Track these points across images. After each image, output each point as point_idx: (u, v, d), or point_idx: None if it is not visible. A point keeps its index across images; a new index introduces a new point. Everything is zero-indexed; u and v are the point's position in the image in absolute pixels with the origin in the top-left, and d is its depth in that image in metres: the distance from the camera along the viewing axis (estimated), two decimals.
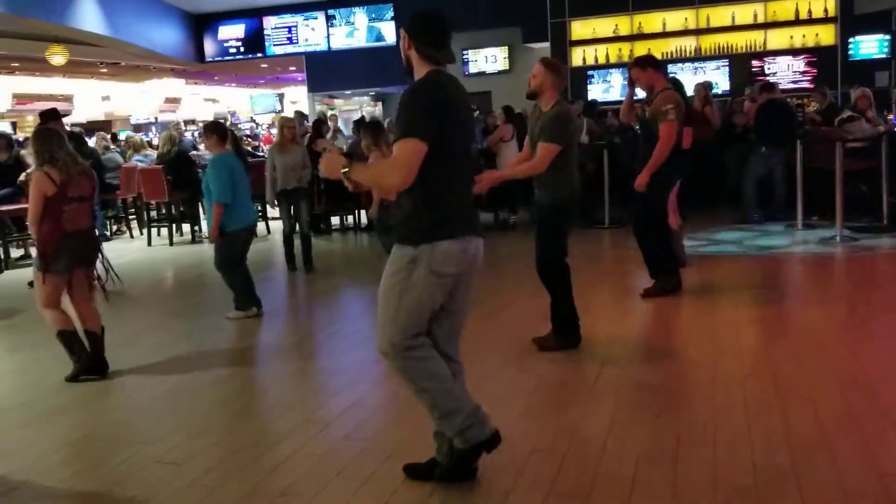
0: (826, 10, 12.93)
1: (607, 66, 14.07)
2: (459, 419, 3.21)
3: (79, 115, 26.23)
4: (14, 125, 24.57)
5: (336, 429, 4.07)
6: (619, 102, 8.38)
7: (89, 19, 13.43)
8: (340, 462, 3.65)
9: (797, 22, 13.13)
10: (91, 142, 13.00)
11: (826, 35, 12.99)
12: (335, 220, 11.65)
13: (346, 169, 3.09)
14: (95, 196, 5.17)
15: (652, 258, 6.25)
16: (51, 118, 8.35)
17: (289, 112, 26.49)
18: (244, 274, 6.47)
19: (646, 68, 5.97)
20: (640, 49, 13.80)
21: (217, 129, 6.44)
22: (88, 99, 26.38)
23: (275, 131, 25.21)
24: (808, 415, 3.85)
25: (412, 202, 3.08)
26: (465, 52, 16.27)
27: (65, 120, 8.88)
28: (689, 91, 11.26)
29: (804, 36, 13.14)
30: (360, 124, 9.76)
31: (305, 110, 17.24)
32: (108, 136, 14.18)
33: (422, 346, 3.18)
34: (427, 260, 3.06)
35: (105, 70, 23.79)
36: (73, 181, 4.88)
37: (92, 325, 5.14)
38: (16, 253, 10.53)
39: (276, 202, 8.26)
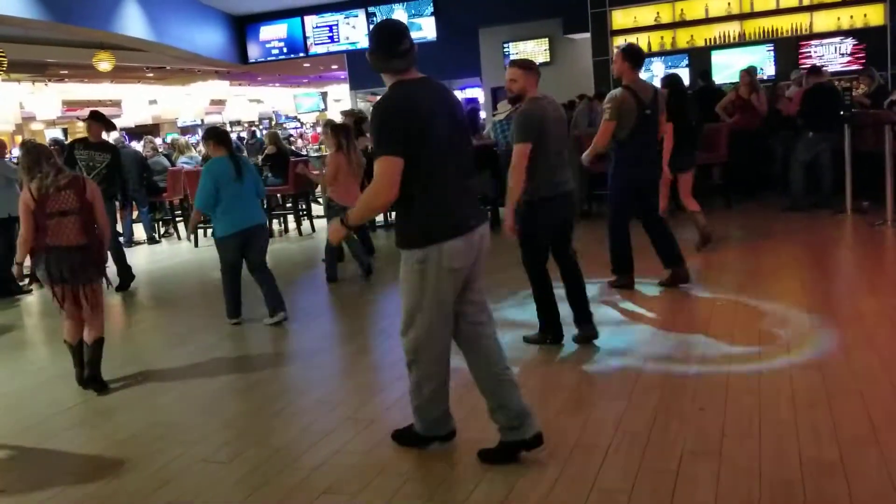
0: None
1: (649, 54, 13.84)
2: (438, 412, 3.60)
3: (127, 119, 26.78)
4: (65, 131, 25.11)
5: (379, 426, 4.09)
6: None
7: (133, 25, 13.65)
8: (383, 460, 3.68)
9: (844, 3, 12.81)
10: (139, 145, 13.24)
11: (875, 15, 12.64)
12: (379, 218, 11.61)
13: (344, 220, 3.33)
14: (100, 207, 5.09)
15: (613, 253, 6.36)
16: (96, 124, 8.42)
17: (333, 110, 26.70)
18: (265, 278, 6.45)
19: (625, 60, 6.00)
20: (683, 36, 13.62)
21: (212, 135, 6.47)
22: (136, 103, 26.92)
23: (320, 129, 25.59)
24: (856, 409, 3.77)
25: (410, 209, 3.24)
26: (505, 45, 16.20)
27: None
28: (734, 77, 11.15)
29: (851, 17, 12.80)
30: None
31: (348, 108, 17.31)
32: (156, 140, 14.38)
33: (439, 354, 3.46)
34: (437, 259, 3.22)
35: (151, 74, 24.24)
36: (50, 197, 4.87)
37: (86, 337, 5.16)
38: None
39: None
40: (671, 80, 7.87)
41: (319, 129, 25.87)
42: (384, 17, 16.42)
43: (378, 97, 3.47)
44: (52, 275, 4.92)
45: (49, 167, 4.96)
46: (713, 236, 7.58)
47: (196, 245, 11.24)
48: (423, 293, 3.30)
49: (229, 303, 6.52)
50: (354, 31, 17.20)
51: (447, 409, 3.63)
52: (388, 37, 3.25)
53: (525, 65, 4.94)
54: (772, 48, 13.18)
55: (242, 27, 17.85)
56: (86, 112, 9.61)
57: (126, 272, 8.55)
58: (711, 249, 7.52)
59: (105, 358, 5.21)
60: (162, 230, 13.01)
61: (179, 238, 12.56)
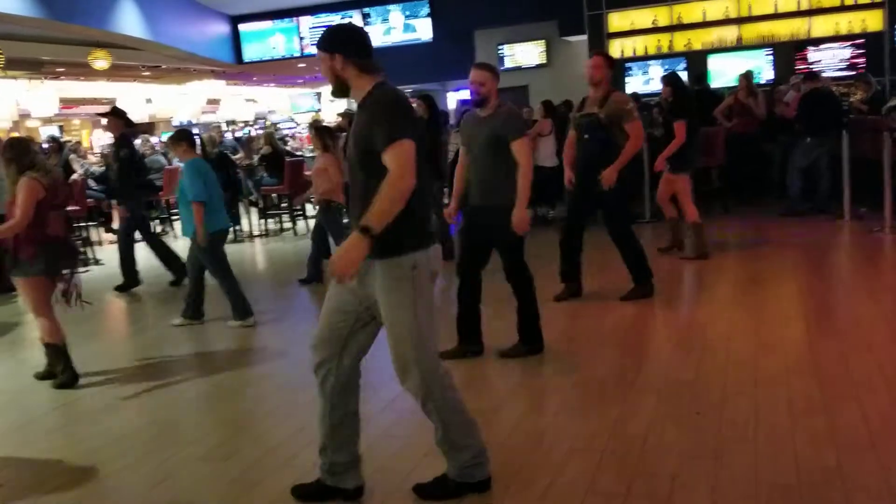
0: None
1: (646, 57, 13.89)
2: (467, 456, 3.20)
3: None
4: (61, 128, 25.05)
5: (374, 425, 4.07)
6: (659, 94, 8.27)
7: (130, 23, 13.62)
8: (378, 459, 3.66)
9: (843, 8, 12.82)
10: (136, 144, 13.19)
11: (873, 21, 12.66)
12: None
13: (366, 229, 2.82)
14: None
15: (631, 263, 6.15)
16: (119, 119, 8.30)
17: (328, 111, 26.67)
18: (200, 282, 6.53)
19: (610, 68, 5.96)
20: (680, 40, 13.62)
21: (185, 137, 6.50)
22: (132, 102, 26.74)
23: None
24: (853, 413, 3.76)
25: (406, 209, 2.92)
26: (500, 48, 16.19)
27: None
28: (731, 82, 11.14)
29: (850, 22, 12.82)
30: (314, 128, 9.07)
31: (343, 109, 17.29)
32: (151, 139, 14.38)
33: (447, 375, 3.16)
34: (426, 264, 3.03)
35: (147, 73, 24.15)
36: (59, 189, 4.96)
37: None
38: None
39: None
40: (672, 78, 7.74)
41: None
42: (379, 19, 16.45)
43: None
44: (49, 267, 4.93)
45: (42, 161, 5.02)
46: (709, 253, 7.50)
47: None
48: (418, 306, 3.02)
49: (243, 300, 6.41)
50: None
51: (483, 445, 3.27)
52: (366, 37, 3.09)
53: (492, 68, 4.89)
54: (770, 52, 13.19)
55: (238, 27, 17.81)
56: (82, 110, 9.55)
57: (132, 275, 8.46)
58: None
59: (101, 357, 5.20)
60: (158, 228, 12.95)
61: (175, 237, 12.51)
